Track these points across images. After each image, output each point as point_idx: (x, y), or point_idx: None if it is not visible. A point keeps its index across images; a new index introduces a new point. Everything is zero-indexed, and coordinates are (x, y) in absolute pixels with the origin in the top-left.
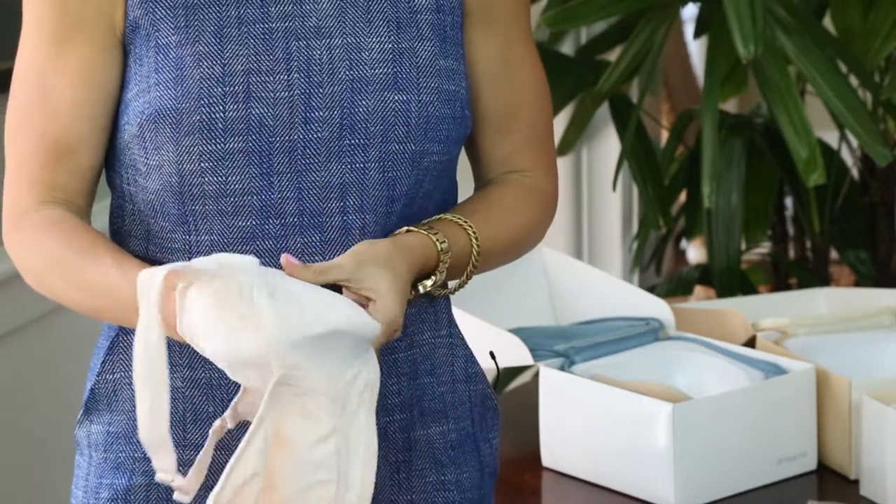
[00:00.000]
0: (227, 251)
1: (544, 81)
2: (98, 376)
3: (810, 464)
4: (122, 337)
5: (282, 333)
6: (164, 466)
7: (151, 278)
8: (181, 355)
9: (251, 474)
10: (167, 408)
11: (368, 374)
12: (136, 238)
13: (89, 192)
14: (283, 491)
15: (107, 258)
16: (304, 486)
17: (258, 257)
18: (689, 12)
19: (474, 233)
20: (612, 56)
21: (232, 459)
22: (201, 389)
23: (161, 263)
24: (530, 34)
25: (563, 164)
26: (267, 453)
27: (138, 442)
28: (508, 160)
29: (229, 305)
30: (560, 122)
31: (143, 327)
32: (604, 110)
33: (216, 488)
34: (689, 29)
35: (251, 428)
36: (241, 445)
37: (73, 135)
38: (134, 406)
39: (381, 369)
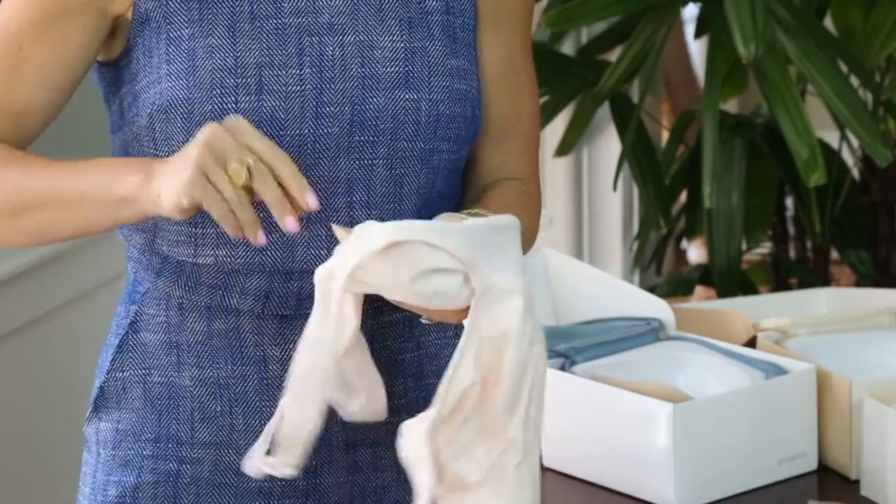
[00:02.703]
0: (231, 244)
1: (538, 94)
2: (108, 374)
3: (811, 464)
4: (132, 335)
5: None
6: (286, 462)
7: (331, 278)
8: (189, 354)
9: (470, 382)
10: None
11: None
12: (144, 231)
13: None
14: (506, 381)
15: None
16: (522, 369)
17: (265, 251)
18: (690, 12)
19: None
20: (613, 56)
21: (447, 375)
22: (208, 388)
23: (167, 257)
24: (531, 46)
25: (563, 164)
26: (483, 356)
27: (147, 440)
28: (504, 168)
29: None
30: (560, 122)
31: (316, 333)
32: (604, 110)
33: (432, 408)
34: (689, 29)
35: (462, 341)
36: (454, 360)
37: (27, 99)
38: (143, 404)
39: (384, 370)
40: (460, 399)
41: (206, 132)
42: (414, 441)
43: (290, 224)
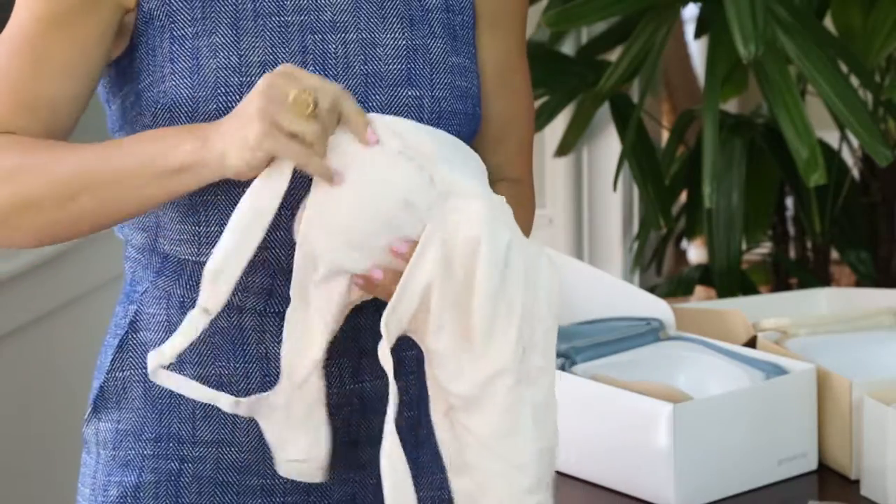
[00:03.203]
0: None
1: (532, 95)
2: (107, 374)
3: (811, 464)
4: (132, 335)
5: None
6: (209, 302)
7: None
8: (191, 352)
9: (426, 282)
10: (247, 259)
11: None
12: (145, 231)
13: None
14: (479, 296)
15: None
16: (493, 288)
17: (268, 248)
18: (690, 12)
19: None
20: (613, 56)
21: (403, 277)
22: (210, 386)
23: (168, 256)
24: (525, 46)
25: (563, 164)
26: (450, 264)
27: (147, 439)
28: (501, 168)
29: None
30: (560, 122)
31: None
32: (604, 110)
33: (388, 308)
34: (689, 29)
35: (423, 237)
36: (412, 261)
37: (50, 90)
38: (143, 404)
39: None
40: (421, 298)
41: (260, 82)
42: (382, 348)
43: (371, 138)
